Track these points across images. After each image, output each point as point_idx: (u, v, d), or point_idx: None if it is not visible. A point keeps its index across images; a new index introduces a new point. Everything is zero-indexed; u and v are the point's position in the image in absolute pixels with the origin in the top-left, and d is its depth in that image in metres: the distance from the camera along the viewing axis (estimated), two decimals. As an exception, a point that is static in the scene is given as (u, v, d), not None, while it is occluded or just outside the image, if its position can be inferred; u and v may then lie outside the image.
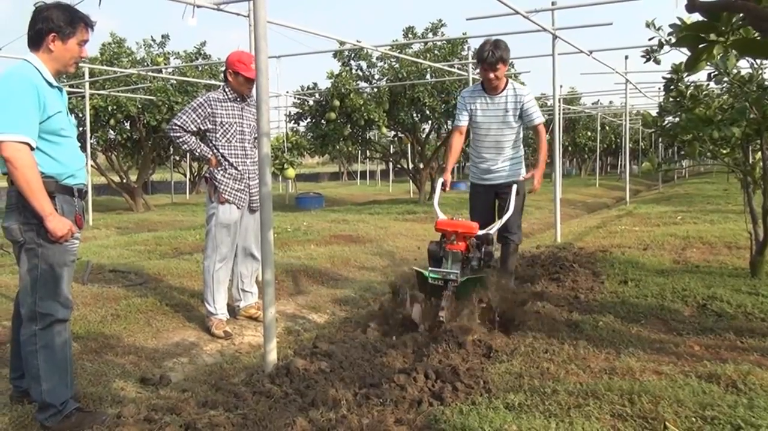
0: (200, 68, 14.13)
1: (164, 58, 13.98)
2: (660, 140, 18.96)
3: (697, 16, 1.62)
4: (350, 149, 17.43)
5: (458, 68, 12.38)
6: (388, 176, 26.07)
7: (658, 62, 4.81)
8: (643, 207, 11.18)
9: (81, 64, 8.76)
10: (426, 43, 13.35)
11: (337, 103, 13.41)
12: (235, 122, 4.31)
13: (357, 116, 13.46)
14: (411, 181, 17.76)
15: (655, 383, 2.73)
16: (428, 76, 13.53)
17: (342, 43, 11.66)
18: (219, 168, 4.29)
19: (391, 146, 19.33)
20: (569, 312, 4.10)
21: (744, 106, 4.23)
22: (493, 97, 4.63)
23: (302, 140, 17.93)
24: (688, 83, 4.84)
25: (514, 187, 4.51)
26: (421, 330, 3.62)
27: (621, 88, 14.11)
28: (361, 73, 14.26)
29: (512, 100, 4.60)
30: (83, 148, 6.98)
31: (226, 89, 4.32)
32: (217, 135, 4.28)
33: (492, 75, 4.46)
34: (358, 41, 10.55)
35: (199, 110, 4.24)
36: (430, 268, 3.86)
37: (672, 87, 4.83)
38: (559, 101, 13.31)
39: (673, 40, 4.02)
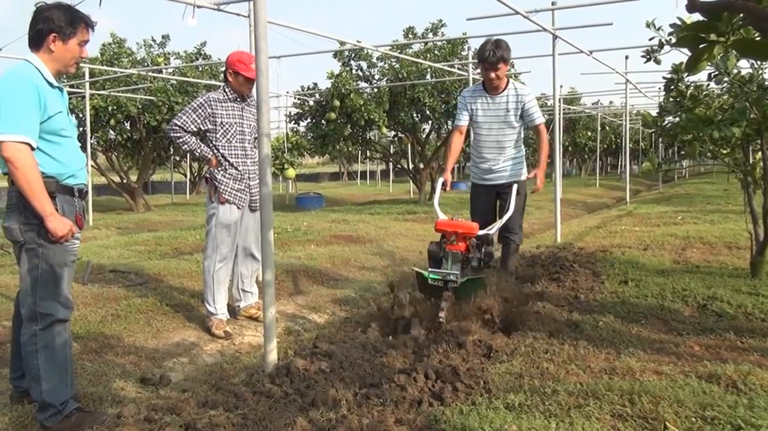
0: (200, 69, 14.14)
1: (164, 58, 13.99)
2: (660, 140, 18.96)
3: (697, 16, 1.62)
4: (350, 149, 17.42)
5: (458, 68, 12.37)
6: (389, 176, 26.07)
7: (658, 62, 4.80)
8: (643, 207, 11.17)
9: (81, 65, 8.76)
10: (426, 43, 13.35)
11: (337, 103, 13.41)
12: (236, 122, 4.31)
13: (357, 116, 13.46)
14: (411, 181, 17.76)
15: (655, 383, 2.73)
16: (428, 77, 13.53)
17: (342, 43, 11.65)
18: (219, 168, 4.29)
19: (392, 146, 19.33)
20: (569, 312, 4.10)
21: (744, 106, 4.22)
22: (494, 97, 4.63)
23: (302, 140, 17.90)
24: (689, 83, 4.84)
25: (515, 187, 4.51)
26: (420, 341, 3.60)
27: (621, 88, 14.11)
28: (361, 74, 14.26)
29: (513, 100, 4.60)
30: (83, 148, 6.97)
31: (227, 89, 4.32)
32: (218, 135, 4.28)
33: (493, 75, 4.46)
34: (358, 41, 10.55)
35: (200, 110, 4.24)
36: (430, 269, 3.85)
37: (672, 87, 4.83)
38: (560, 101, 13.32)
39: (674, 40, 4.01)
